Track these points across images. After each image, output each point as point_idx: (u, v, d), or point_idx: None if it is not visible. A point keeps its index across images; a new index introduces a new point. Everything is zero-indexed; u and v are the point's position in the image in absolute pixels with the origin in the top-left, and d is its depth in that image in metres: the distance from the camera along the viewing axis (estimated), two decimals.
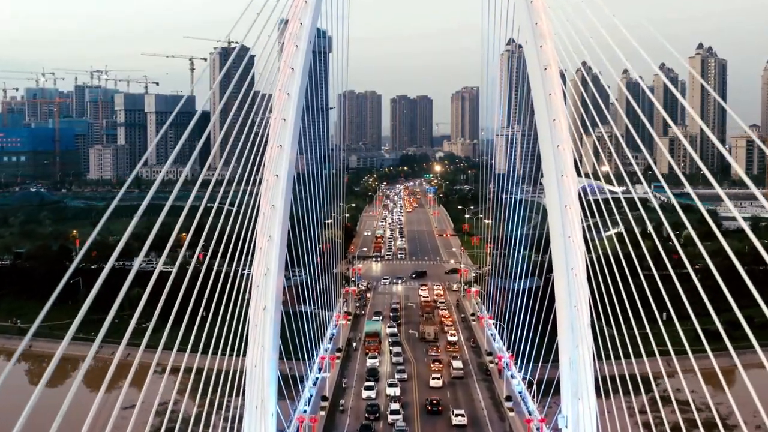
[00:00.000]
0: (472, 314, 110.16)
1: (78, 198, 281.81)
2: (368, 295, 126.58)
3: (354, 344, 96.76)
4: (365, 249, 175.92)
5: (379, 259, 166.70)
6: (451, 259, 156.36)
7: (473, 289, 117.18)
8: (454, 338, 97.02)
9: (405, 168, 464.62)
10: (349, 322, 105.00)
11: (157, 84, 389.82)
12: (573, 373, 45.34)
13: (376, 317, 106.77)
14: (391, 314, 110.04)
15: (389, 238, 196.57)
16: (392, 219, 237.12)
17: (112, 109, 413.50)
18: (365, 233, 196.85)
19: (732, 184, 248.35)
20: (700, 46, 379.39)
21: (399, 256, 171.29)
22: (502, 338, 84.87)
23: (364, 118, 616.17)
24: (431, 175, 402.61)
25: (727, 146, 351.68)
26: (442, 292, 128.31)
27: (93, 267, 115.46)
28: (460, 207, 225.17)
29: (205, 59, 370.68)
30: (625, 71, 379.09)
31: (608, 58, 43.06)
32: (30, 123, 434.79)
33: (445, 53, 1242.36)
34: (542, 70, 48.44)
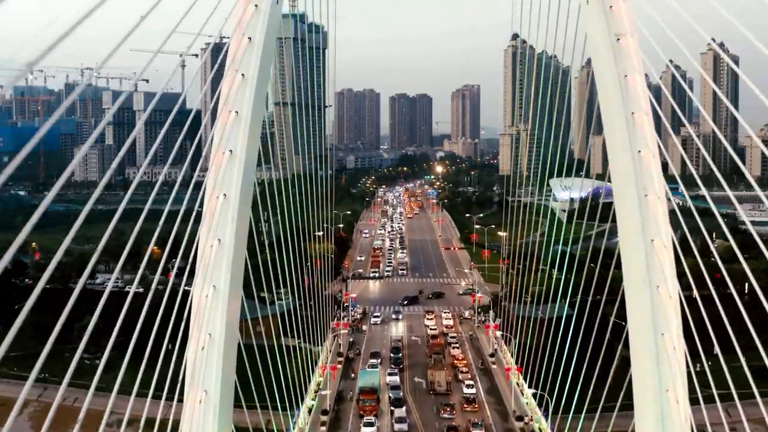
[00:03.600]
0: (491, 354, 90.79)
1: (59, 201, 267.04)
2: (364, 327, 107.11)
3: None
4: (361, 259, 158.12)
5: (377, 276, 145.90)
6: (462, 280, 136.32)
7: (492, 323, 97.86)
8: (472, 390, 77.99)
9: (404, 168, 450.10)
10: (339, 366, 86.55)
11: (147, 81, 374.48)
12: None
13: (374, 360, 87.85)
14: (391, 354, 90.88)
15: (389, 249, 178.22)
16: (392, 227, 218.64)
17: (102, 107, 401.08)
18: (360, 256, 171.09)
19: (747, 186, 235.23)
20: (713, 40, 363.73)
21: (400, 271, 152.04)
22: (531, 387, 68.45)
23: (363, 116, 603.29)
24: (432, 176, 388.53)
25: (757, 146, 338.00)
26: (452, 323, 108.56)
27: (48, 286, 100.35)
28: (468, 215, 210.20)
29: (197, 55, 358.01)
30: None
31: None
32: (17, 122, 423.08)
33: (445, 51, 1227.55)
34: (613, 41, 33.44)
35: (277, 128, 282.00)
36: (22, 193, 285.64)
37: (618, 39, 33.43)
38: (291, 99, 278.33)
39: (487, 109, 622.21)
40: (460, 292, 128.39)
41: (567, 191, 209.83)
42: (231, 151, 31.82)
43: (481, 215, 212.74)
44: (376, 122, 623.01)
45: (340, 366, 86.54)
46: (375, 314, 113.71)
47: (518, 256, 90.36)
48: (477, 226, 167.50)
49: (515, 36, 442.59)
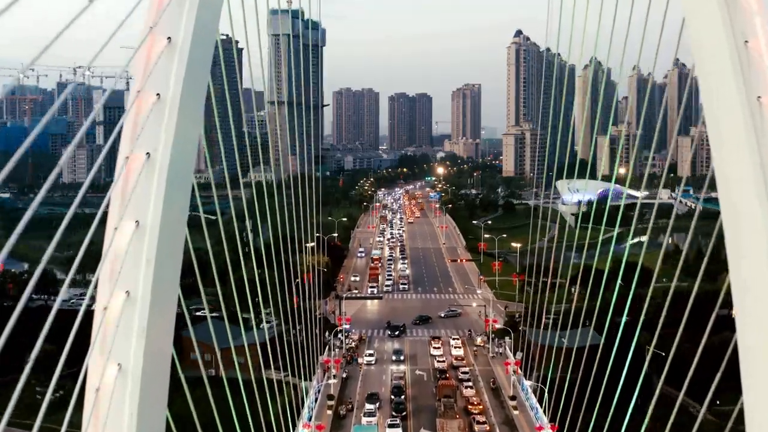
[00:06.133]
0: (512, 397, 75.73)
1: (45, 204, 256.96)
2: (360, 360, 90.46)
3: None
4: (356, 279, 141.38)
5: (375, 295, 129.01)
6: (474, 300, 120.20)
7: (511, 357, 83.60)
8: None
9: (404, 170, 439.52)
10: (329, 411, 72.34)
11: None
12: None
13: (370, 405, 73.13)
14: (392, 396, 76.75)
15: (389, 259, 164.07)
16: (392, 233, 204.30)
17: (94, 106, 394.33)
18: (354, 276, 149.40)
19: None
20: None
21: (401, 286, 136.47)
22: None
23: (361, 116, 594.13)
24: (433, 178, 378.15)
25: None
26: (462, 352, 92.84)
27: (6, 304, 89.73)
28: (473, 221, 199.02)
29: None
30: (635, 67, 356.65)
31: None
32: (7, 122, 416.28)
33: (445, 50, 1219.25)
34: None
35: (270, 128, 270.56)
36: (6, 195, 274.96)
37: None
38: (287, 98, 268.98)
39: (486, 108, 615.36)
40: (441, 315, 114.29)
41: (576, 193, 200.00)
42: (148, 154, 20.59)
43: (489, 221, 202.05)
44: (375, 122, 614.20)
45: (330, 411, 72.63)
46: (368, 352, 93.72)
47: (534, 269, 79.13)
48: (486, 236, 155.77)
49: (518, 33, 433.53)
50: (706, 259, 27.37)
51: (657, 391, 38.65)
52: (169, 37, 21.99)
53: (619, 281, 52.57)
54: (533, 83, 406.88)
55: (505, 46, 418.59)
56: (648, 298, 42.28)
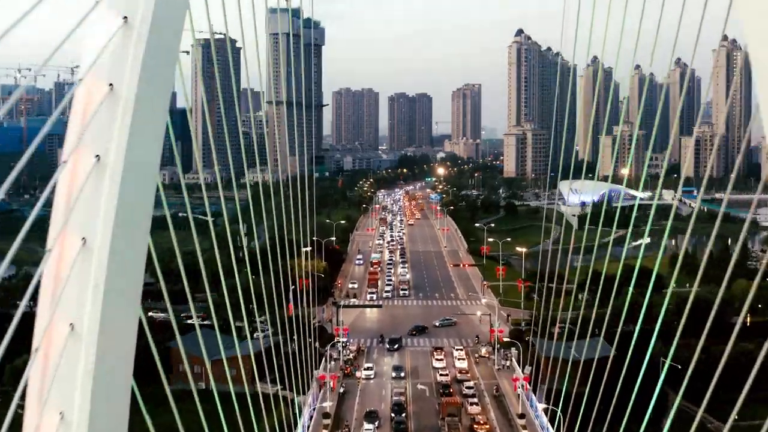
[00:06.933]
0: (521, 415, 70.03)
1: (42, 205, 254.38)
2: (358, 374, 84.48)
3: None
4: (354, 286, 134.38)
5: (374, 303, 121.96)
6: (478, 310, 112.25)
7: (520, 372, 78.19)
8: None
9: (404, 170, 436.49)
10: (324, 430, 67.40)
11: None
12: None
13: (369, 425, 67.98)
14: (392, 415, 71.76)
15: (388, 262, 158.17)
16: (391, 236, 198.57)
17: None
18: (352, 283, 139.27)
19: (764, 188, 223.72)
20: (725, 37, 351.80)
21: (402, 291, 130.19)
22: None
23: (361, 116, 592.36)
24: (433, 179, 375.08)
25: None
26: (466, 365, 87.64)
27: None
28: (476, 224, 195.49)
29: (188, 52, 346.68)
30: (637, 67, 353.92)
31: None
32: (3, 122, 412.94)
33: (445, 50, 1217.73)
34: None
35: (268, 129, 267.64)
36: (1, 197, 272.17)
37: None
38: (286, 97, 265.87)
39: (487, 108, 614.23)
40: (436, 324, 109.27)
41: (578, 194, 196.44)
42: (97, 156, 17.01)
43: (492, 224, 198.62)
44: (375, 122, 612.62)
45: (325, 431, 67.27)
46: (366, 365, 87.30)
47: (546, 274, 75.05)
48: (490, 240, 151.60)
49: (519, 32, 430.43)
50: (760, 273, 23.99)
51: (696, 420, 35.06)
52: (125, 17, 18.08)
53: (650, 287, 48.72)
54: (534, 83, 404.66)
55: (506, 45, 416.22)
56: (688, 307, 38.32)
